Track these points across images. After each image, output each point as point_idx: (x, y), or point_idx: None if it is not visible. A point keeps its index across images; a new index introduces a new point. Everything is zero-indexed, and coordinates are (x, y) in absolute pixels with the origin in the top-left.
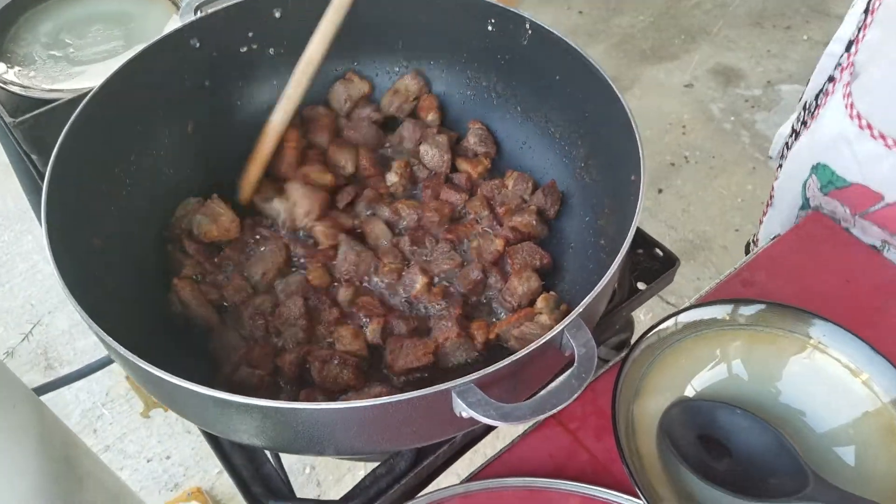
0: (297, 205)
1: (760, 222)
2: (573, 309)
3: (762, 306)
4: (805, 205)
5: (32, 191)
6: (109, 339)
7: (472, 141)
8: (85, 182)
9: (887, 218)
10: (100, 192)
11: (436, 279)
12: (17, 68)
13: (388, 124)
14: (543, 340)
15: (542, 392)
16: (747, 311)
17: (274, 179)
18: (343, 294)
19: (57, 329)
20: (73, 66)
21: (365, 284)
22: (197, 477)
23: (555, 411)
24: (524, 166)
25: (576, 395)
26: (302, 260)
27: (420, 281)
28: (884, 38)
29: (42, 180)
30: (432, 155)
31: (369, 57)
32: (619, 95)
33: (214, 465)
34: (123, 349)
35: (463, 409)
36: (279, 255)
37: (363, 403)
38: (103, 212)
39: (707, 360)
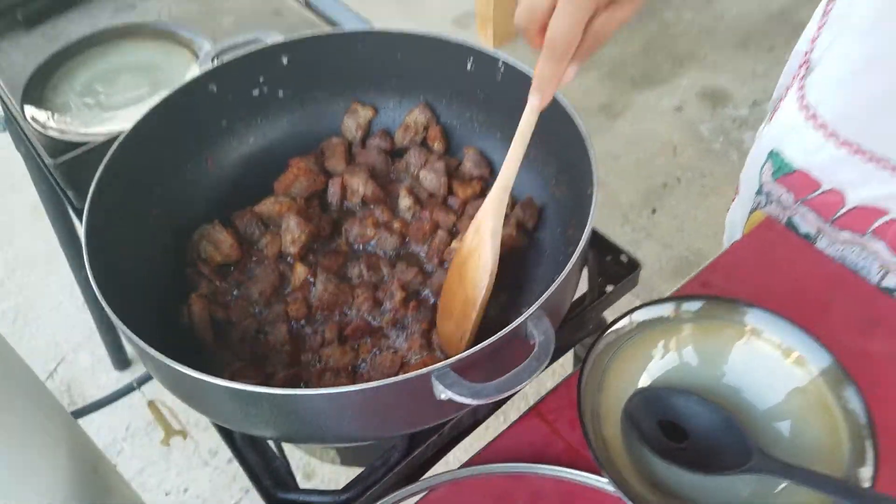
0: (287, 230)
1: (727, 210)
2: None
3: (702, 301)
4: (760, 190)
5: (63, 229)
6: (141, 343)
7: (468, 165)
8: (117, 215)
9: (822, 204)
10: (130, 222)
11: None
12: (55, 115)
13: (395, 153)
14: (509, 330)
15: (507, 374)
16: (690, 306)
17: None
18: (329, 333)
19: (80, 366)
20: (104, 112)
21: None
22: None
23: (518, 389)
24: None
25: (535, 375)
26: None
27: (398, 295)
28: (834, 37)
29: (77, 216)
30: (431, 179)
31: (366, 94)
32: (575, 118)
33: (230, 496)
34: (153, 350)
35: (442, 391)
36: (273, 275)
37: (356, 388)
38: (133, 239)
39: (661, 351)
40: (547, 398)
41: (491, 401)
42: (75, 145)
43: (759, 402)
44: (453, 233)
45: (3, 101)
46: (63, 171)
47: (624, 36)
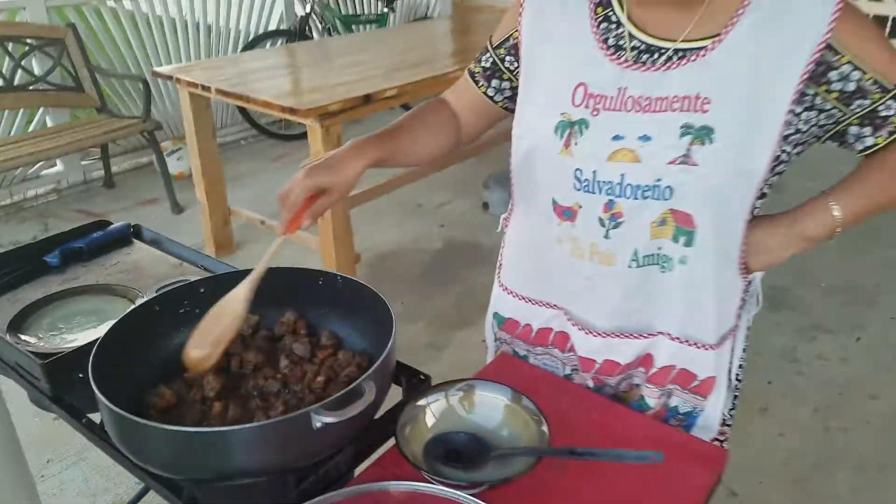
0: (207, 382)
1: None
2: None
3: (459, 389)
4: (495, 338)
5: None
6: (116, 408)
7: (323, 339)
8: (104, 381)
9: (524, 335)
10: (114, 384)
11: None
12: (32, 342)
13: (276, 339)
14: (352, 387)
15: (350, 405)
16: (451, 390)
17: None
18: None
19: None
20: (67, 336)
21: None
22: None
23: (354, 413)
24: (349, 345)
25: (364, 406)
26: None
27: (280, 408)
28: (507, 252)
29: (51, 401)
30: (300, 348)
31: (253, 307)
32: (389, 306)
33: None
34: (120, 410)
35: (317, 421)
36: (199, 411)
37: (262, 423)
38: (117, 395)
39: (442, 411)
40: (384, 455)
41: (343, 418)
42: (52, 355)
43: (490, 424)
44: (316, 374)
45: None
46: (47, 369)
47: (441, 293)
